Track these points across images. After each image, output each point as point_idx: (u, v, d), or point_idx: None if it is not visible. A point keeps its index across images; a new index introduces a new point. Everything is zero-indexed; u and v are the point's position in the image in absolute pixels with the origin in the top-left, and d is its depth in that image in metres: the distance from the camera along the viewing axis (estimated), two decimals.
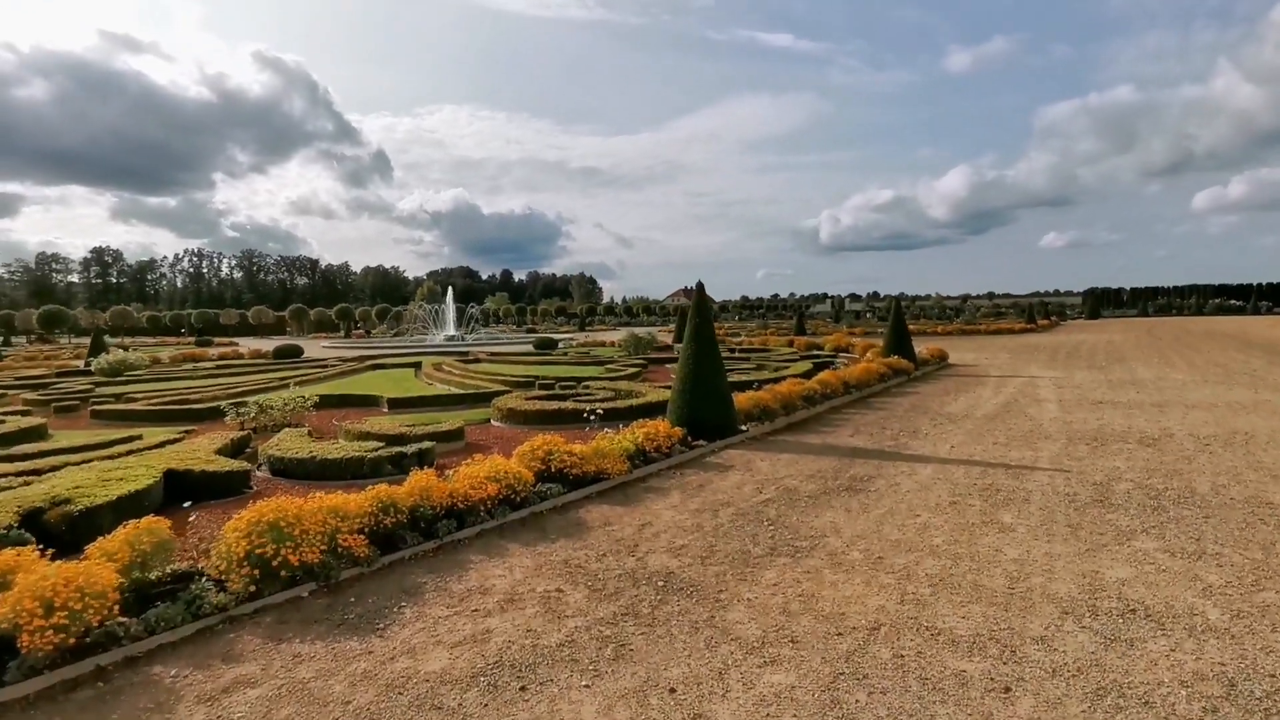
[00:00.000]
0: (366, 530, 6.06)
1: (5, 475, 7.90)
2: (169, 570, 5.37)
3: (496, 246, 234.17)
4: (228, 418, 12.51)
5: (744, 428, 11.48)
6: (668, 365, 23.76)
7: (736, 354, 26.85)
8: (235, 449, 10.31)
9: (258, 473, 9.14)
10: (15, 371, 26.43)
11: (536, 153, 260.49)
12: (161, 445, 9.87)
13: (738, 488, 8.18)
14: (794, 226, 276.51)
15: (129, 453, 9.52)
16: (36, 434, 12.05)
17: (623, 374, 19.08)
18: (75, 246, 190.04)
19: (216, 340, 53.74)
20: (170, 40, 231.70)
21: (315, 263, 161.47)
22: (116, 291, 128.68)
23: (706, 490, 8.10)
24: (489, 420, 13.12)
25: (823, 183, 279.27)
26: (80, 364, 28.49)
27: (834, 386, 14.72)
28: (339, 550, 5.64)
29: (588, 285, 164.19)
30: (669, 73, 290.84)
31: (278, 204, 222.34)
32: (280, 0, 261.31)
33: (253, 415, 12.29)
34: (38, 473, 8.29)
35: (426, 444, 9.43)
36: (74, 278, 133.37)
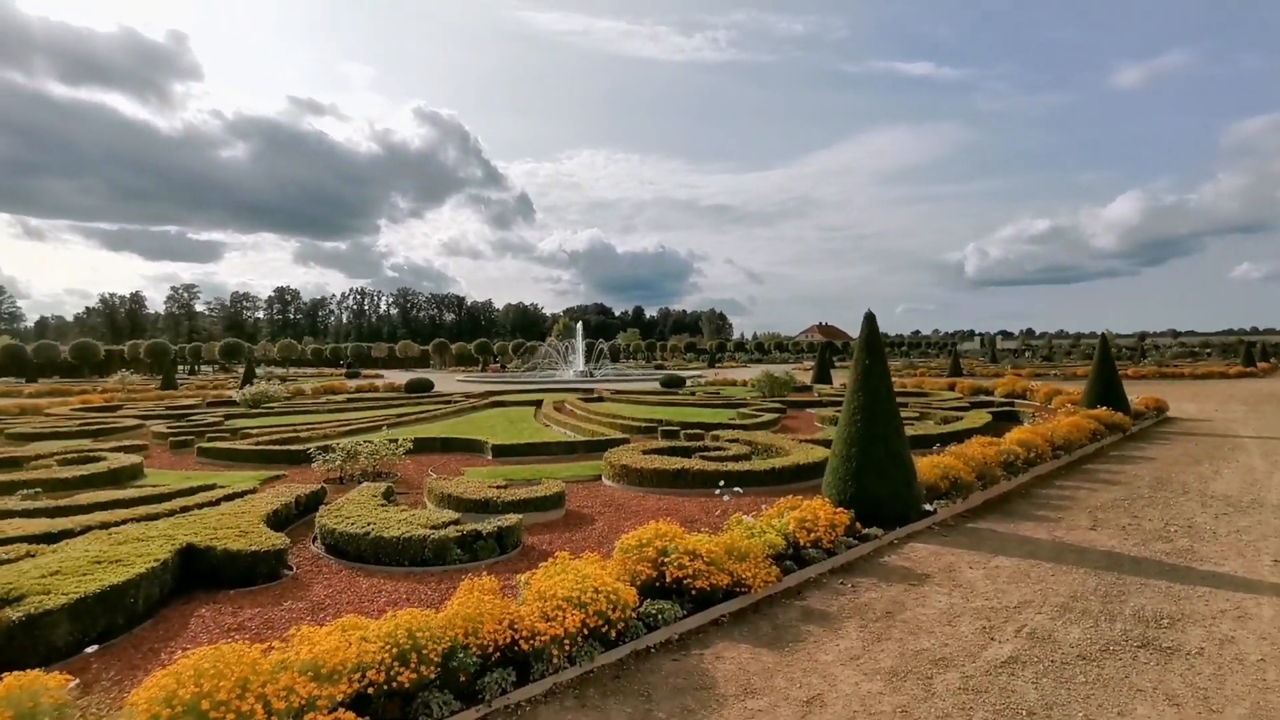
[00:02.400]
0: (373, 689, 3.82)
1: (15, 542, 6.48)
2: None
3: (629, 284, 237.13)
4: (314, 464, 11.07)
5: (928, 507, 8.43)
6: (809, 410, 20.66)
7: None
8: (304, 507, 8.66)
9: (312, 547, 7.32)
10: (175, 400, 27.67)
11: (668, 192, 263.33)
12: (216, 503, 8.34)
13: (949, 622, 5.26)
14: (936, 260, 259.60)
15: (183, 509, 8.07)
16: (129, 475, 11.16)
17: (757, 420, 16.32)
18: (264, 287, 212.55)
19: (365, 372, 56.18)
20: (346, 102, 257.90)
21: (462, 300, 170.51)
22: (294, 326, 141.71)
23: (899, 625, 5.25)
24: (600, 477, 10.86)
25: (968, 214, 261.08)
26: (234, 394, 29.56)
27: (1039, 449, 11.19)
28: None
29: (717, 321, 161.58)
30: (802, 108, 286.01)
31: (431, 246, 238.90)
32: (438, 60, 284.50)
33: (338, 463, 10.75)
34: (64, 535, 6.87)
35: (511, 518, 7.24)
36: (260, 314, 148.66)
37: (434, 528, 7.01)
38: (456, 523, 7.27)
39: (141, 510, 7.93)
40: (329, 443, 11.97)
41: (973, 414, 16.92)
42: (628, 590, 4.96)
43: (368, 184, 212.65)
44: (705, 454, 11.47)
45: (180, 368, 65.37)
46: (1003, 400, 22.20)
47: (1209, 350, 75.18)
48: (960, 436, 13.47)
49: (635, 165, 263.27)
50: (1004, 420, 17.43)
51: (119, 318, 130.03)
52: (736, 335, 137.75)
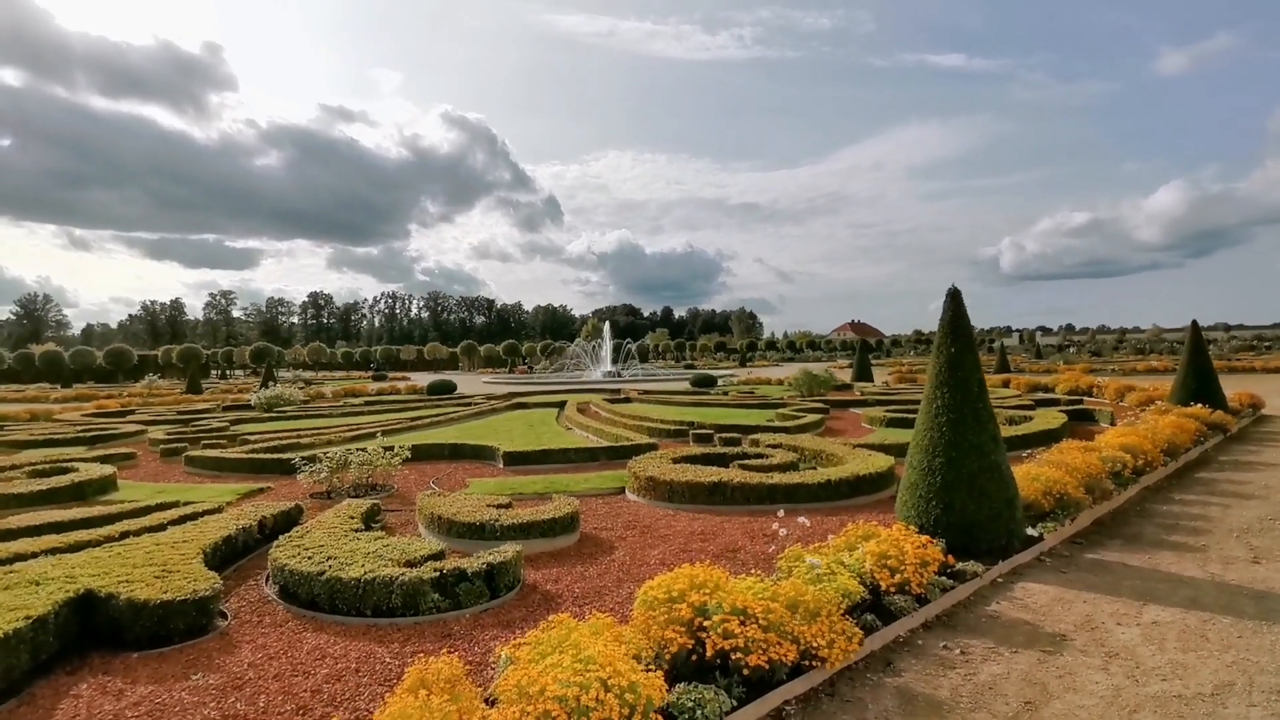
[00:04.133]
0: None
1: None
2: None
3: (658, 284, 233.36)
4: (299, 476, 9.69)
5: (1032, 532, 6.69)
6: (853, 409, 18.86)
7: None
8: (271, 530, 7.21)
9: (264, 587, 5.87)
10: (192, 404, 26.81)
11: (696, 191, 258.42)
12: (162, 528, 6.94)
13: None
14: (971, 255, 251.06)
15: (124, 534, 6.70)
16: (98, 488, 9.93)
17: (800, 422, 14.60)
18: (299, 292, 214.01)
19: (392, 375, 55.40)
20: (375, 108, 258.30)
21: (492, 303, 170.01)
22: (327, 331, 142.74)
23: None
24: (623, 490, 9.30)
25: (1003, 208, 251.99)
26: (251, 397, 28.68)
27: (1150, 455, 9.31)
28: None
29: (748, 320, 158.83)
30: (830, 104, 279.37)
31: (461, 249, 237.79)
32: (464, 64, 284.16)
33: (323, 475, 9.35)
34: None
35: (507, 550, 5.69)
36: (295, 319, 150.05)
37: (409, 564, 5.51)
38: (439, 556, 5.76)
39: (72, 537, 6.56)
40: (318, 451, 10.60)
41: (1043, 414, 14.98)
42: (650, 682, 3.35)
43: (398, 189, 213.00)
44: (744, 462, 9.83)
45: (213, 372, 65.63)
46: (1069, 398, 20.10)
47: (1268, 344, 71.00)
48: (1041, 440, 11.64)
49: (662, 166, 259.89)
50: (1077, 421, 15.48)
51: (160, 324, 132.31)
52: (767, 334, 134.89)
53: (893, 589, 5.04)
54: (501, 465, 11.47)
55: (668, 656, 3.86)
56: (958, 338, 6.58)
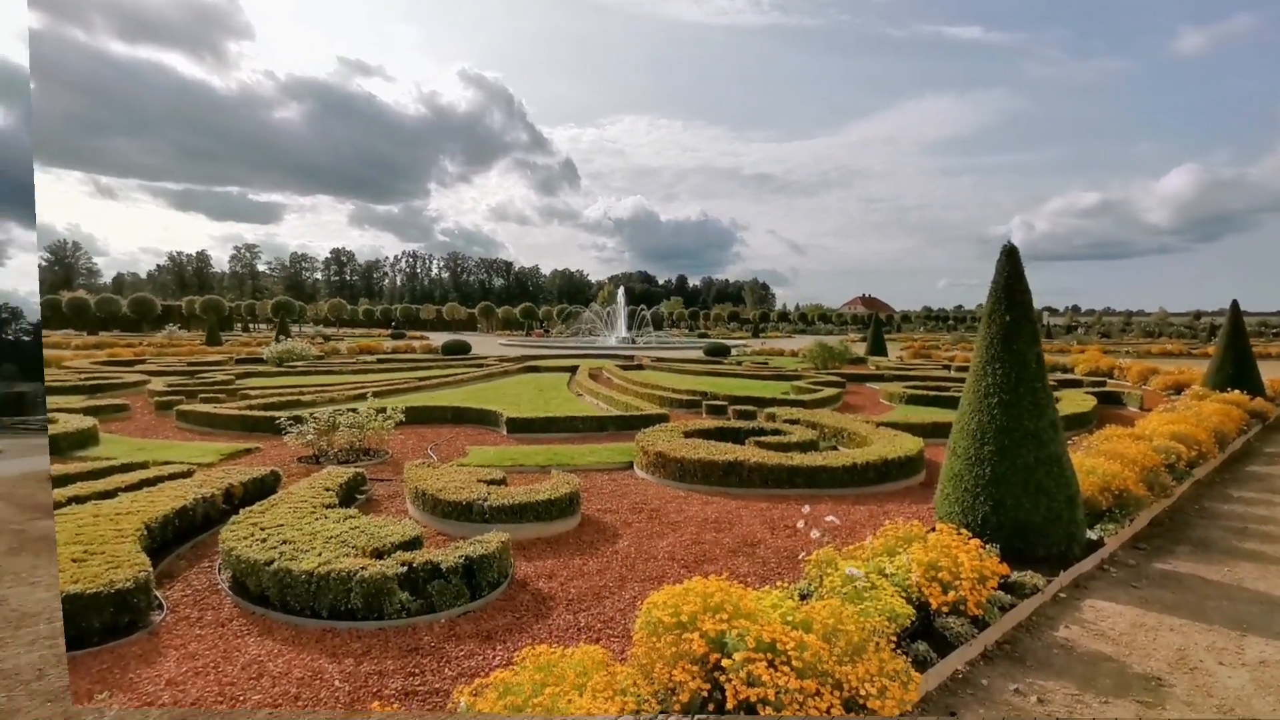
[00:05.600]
0: None
1: None
2: None
3: (672, 252, 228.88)
4: (285, 437, 8.81)
5: (1091, 535, 5.69)
6: (869, 384, 17.78)
7: (954, 372, 20.17)
8: (242, 500, 6.34)
9: (218, 574, 4.98)
10: (205, 356, 26.11)
11: (711, 160, 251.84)
12: (112, 494, 6.06)
13: None
14: (981, 233, 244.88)
15: (71, 500, 5.84)
16: (75, 442, 9.10)
17: (817, 396, 13.55)
18: (322, 248, 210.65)
19: (410, 334, 54.58)
20: (393, 63, 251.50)
21: (510, 265, 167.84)
22: (350, 288, 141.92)
23: None
24: (632, 465, 8.36)
25: (1015, 186, 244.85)
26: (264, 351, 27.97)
27: (1204, 445, 8.24)
28: None
29: (760, 291, 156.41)
30: (845, 75, 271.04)
31: (480, 211, 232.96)
32: (481, 22, 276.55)
33: (309, 438, 8.48)
34: None
35: (492, 540, 4.75)
36: (319, 275, 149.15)
37: (376, 553, 4.60)
38: (413, 544, 4.84)
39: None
40: (304, 411, 9.71)
41: (1069, 395, 13.86)
42: None
43: (417, 147, 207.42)
44: (761, 439, 8.85)
45: (237, 325, 65.21)
46: (1091, 379, 18.90)
47: (1275, 330, 68.84)
48: (1073, 424, 10.60)
49: (678, 132, 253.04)
50: (1104, 404, 14.33)
51: (187, 275, 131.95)
52: (779, 306, 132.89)
53: (945, 608, 4.07)
54: (505, 432, 10.56)
55: (677, 707, 2.92)
56: (1014, 304, 5.49)
